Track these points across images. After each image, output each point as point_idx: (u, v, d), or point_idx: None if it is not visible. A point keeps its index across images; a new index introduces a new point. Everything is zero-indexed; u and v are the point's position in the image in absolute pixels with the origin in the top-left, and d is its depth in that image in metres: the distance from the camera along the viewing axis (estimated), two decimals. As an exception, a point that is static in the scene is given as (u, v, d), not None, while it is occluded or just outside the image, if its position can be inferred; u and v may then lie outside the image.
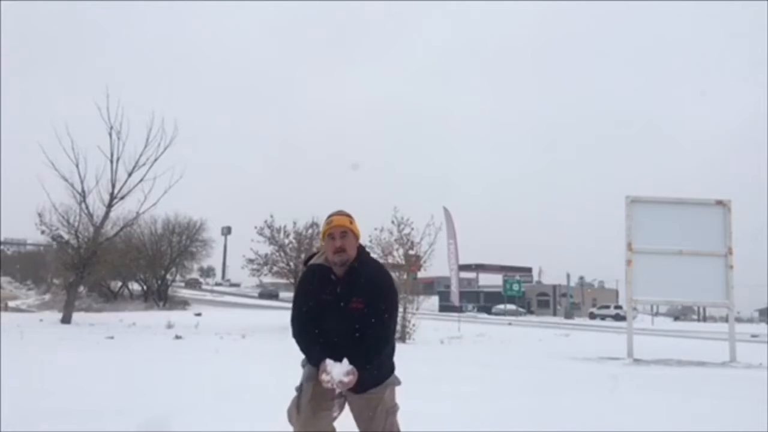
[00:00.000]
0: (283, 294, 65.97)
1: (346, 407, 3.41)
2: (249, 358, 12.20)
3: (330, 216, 3.40)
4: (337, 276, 3.32)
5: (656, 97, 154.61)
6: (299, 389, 3.34)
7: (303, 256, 22.38)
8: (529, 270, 78.48)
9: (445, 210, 24.67)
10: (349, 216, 3.40)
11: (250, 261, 26.72)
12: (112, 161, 23.18)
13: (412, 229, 19.70)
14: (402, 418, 3.47)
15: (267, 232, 25.84)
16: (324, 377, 3.05)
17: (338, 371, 3.08)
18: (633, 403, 7.78)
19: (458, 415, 6.39)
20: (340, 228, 3.32)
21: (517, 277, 71.35)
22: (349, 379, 3.06)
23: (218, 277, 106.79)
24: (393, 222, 19.72)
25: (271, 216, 25.88)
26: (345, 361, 3.10)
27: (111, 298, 43.77)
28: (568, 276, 75.40)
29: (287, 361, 4.33)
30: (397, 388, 3.46)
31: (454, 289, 26.58)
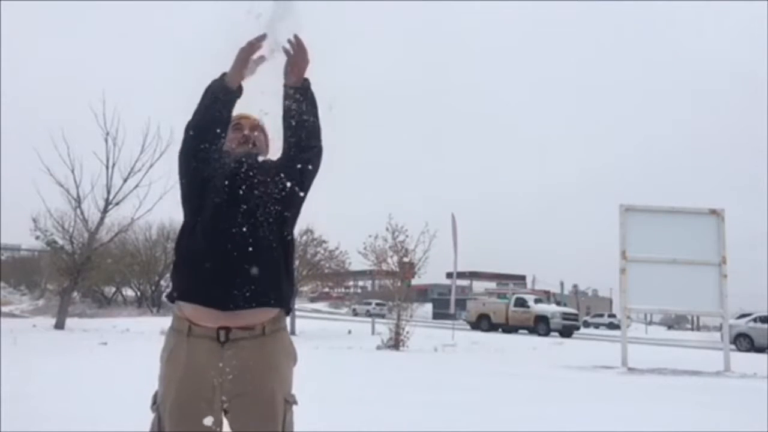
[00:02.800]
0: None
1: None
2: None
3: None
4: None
5: (652, 103, 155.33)
6: (156, 403, 2.39)
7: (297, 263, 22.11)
8: (522, 278, 78.36)
9: (453, 217, 24.90)
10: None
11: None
12: (107, 167, 23.18)
13: (407, 236, 19.75)
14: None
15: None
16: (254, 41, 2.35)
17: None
18: (628, 412, 7.79)
19: (456, 424, 6.39)
20: (252, 122, 2.64)
21: (511, 285, 71.34)
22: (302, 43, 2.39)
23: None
24: (387, 229, 19.79)
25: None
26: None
27: (105, 304, 43.70)
28: (562, 284, 75.55)
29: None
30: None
31: (453, 296, 26.71)
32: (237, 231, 2.35)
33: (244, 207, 2.37)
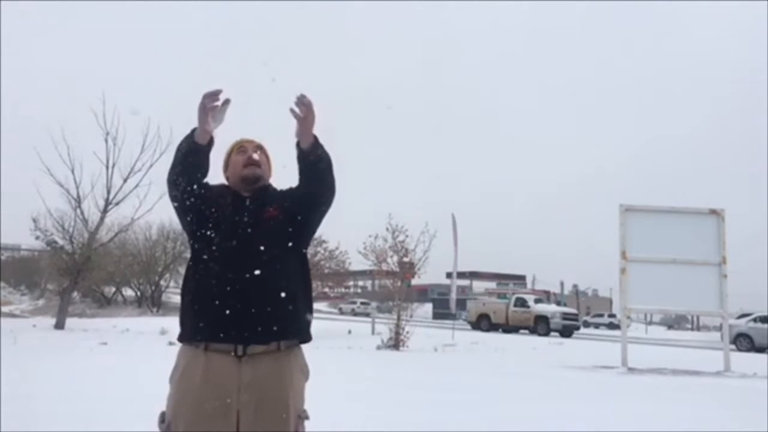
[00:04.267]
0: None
1: None
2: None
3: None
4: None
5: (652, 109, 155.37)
6: (165, 421, 2.39)
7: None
8: (522, 278, 78.37)
9: (453, 217, 24.90)
10: None
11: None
12: (107, 167, 23.19)
13: (407, 236, 19.76)
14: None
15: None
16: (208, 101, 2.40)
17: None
18: (628, 412, 7.79)
19: (456, 423, 6.39)
20: (255, 144, 2.70)
21: (511, 285, 71.29)
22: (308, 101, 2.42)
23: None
24: (387, 229, 19.80)
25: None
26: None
27: (105, 304, 43.64)
28: (562, 284, 75.45)
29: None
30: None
31: (453, 296, 26.69)
32: (249, 268, 2.36)
33: (255, 243, 2.40)
